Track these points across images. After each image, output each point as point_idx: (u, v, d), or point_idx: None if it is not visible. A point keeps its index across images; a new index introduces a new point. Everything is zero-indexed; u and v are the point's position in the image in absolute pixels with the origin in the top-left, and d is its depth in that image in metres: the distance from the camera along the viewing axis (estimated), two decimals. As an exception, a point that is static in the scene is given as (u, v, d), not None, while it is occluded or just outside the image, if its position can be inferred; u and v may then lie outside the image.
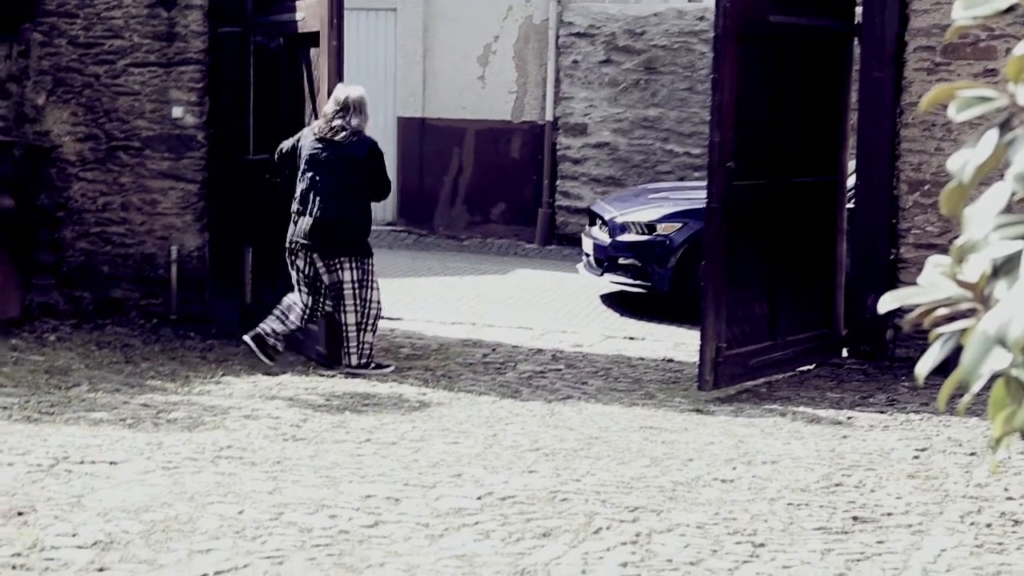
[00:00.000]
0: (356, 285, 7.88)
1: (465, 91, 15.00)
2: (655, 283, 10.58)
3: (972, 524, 5.04)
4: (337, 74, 7.93)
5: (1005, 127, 1.35)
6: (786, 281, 8.11)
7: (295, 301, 7.98)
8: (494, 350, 8.90)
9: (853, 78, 8.63)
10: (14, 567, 4.20)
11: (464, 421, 6.75)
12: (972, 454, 6.17)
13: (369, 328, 7.94)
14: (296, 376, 7.78)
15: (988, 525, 5.03)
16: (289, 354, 8.21)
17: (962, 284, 1.39)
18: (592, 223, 11.52)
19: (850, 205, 8.58)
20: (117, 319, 8.97)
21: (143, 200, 9.16)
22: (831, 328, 8.54)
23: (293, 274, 7.96)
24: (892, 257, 8.39)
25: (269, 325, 7.93)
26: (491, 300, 11.33)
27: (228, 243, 9.10)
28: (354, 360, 7.90)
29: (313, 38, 8.19)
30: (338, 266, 7.84)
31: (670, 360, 8.74)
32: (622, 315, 10.60)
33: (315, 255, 7.83)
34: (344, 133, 7.73)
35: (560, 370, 8.34)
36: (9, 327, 8.50)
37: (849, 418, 7.02)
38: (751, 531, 4.89)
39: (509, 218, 14.94)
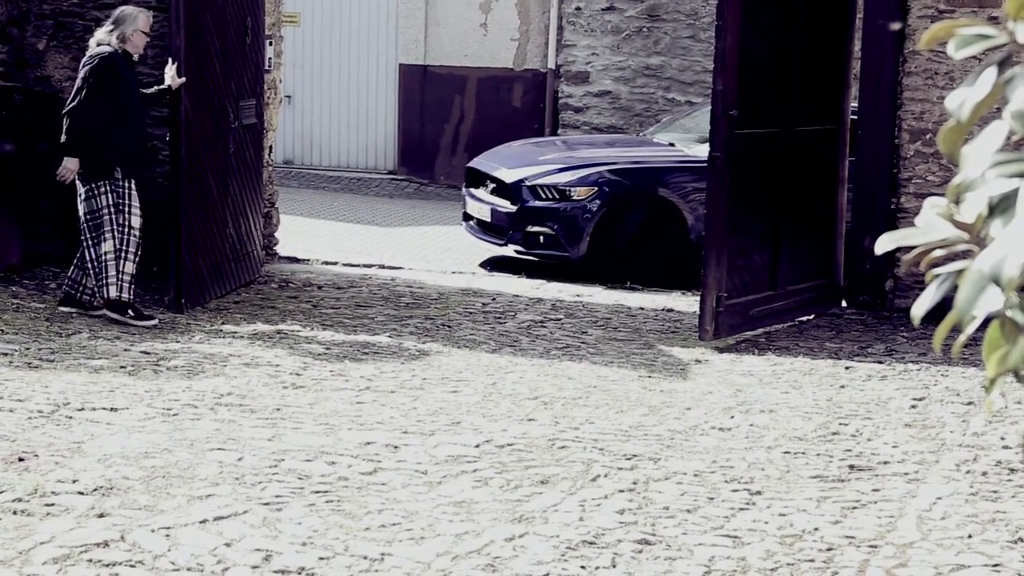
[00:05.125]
0: (112, 209, 7.36)
1: (467, 38, 14.90)
2: (570, 252, 9.84)
3: (968, 472, 5.06)
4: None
5: (1004, 65, 1.34)
6: (787, 231, 8.09)
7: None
8: (494, 299, 8.90)
9: (857, 26, 8.57)
10: (15, 512, 4.23)
11: (463, 370, 6.76)
12: (969, 403, 6.18)
13: (129, 257, 7.38)
14: (296, 325, 7.78)
15: (984, 473, 5.05)
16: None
17: (959, 225, 1.38)
18: (474, 184, 10.58)
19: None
20: (117, 267, 8.95)
21: (142, 147, 9.11)
22: (831, 278, 8.53)
23: None
24: (893, 206, 8.38)
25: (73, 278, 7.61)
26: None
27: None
28: (113, 292, 7.32)
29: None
30: (94, 191, 7.36)
31: (670, 310, 8.74)
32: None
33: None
34: (92, 46, 7.41)
35: (560, 319, 8.34)
36: (10, 274, 8.50)
37: (847, 368, 7.03)
38: (748, 479, 4.91)
39: (510, 168, 14.90)
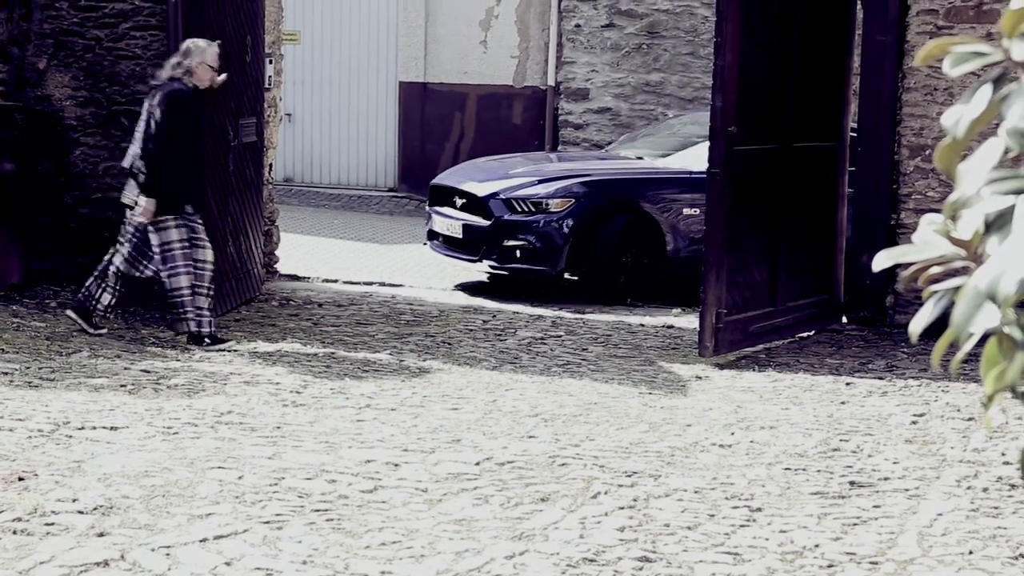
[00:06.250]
0: (186, 244, 7.43)
1: (467, 56, 14.94)
2: (548, 266, 9.66)
3: (969, 488, 5.05)
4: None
5: (999, 82, 1.34)
6: (787, 247, 8.10)
7: (112, 261, 7.62)
8: (494, 316, 8.90)
9: (856, 42, 8.59)
10: (15, 532, 4.22)
11: (464, 387, 6.75)
12: (970, 419, 6.18)
13: (203, 292, 7.51)
14: (296, 343, 7.78)
15: (984, 489, 5.04)
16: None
17: (955, 241, 1.39)
18: (441, 201, 10.37)
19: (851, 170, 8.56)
20: (117, 285, 8.95)
21: (143, 166, 9.12)
22: (831, 294, 8.53)
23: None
24: (893, 222, 8.38)
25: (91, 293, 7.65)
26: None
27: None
28: (192, 327, 7.49)
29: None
30: (161, 224, 7.40)
31: (670, 326, 8.74)
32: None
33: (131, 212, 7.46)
34: (161, 79, 7.42)
35: (560, 336, 8.34)
36: (10, 293, 8.51)
37: (848, 384, 7.02)
38: (748, 496, 4.90)
39: (510, 185, 14.91)
